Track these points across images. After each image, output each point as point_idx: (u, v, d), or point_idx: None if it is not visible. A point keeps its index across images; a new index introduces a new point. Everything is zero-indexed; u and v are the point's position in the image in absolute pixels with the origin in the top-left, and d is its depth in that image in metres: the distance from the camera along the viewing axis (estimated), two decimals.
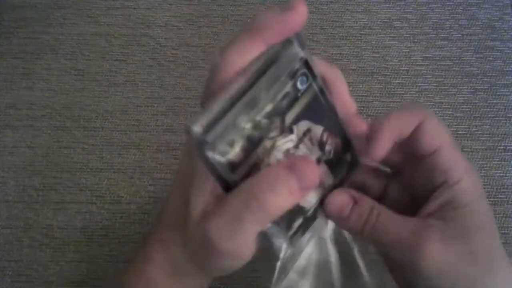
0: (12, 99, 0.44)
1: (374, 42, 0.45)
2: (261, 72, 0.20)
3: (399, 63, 0.45)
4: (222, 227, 0.20)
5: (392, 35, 0.46)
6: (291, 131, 0.22)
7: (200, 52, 0.45)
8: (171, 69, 0.45)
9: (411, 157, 0.25)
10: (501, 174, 0.40)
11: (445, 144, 0.24)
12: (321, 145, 0.23)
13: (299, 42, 0.22)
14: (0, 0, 0.48)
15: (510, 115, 0.42)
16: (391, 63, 0.45)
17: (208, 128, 0.19)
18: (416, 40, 0.46)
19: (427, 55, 0.45)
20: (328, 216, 0.24)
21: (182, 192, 0.22)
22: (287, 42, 0.22)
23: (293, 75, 0.21)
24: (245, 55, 0.20)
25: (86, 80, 0.44)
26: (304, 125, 0.22)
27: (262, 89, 0.20)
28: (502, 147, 0.41)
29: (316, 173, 0.20)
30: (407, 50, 0.45)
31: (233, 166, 0.20)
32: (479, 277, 0.22)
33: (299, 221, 0.23)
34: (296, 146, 0.22)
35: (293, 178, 0.20)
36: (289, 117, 0.21)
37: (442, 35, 0.46)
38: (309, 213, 0.23)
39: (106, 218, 0.40)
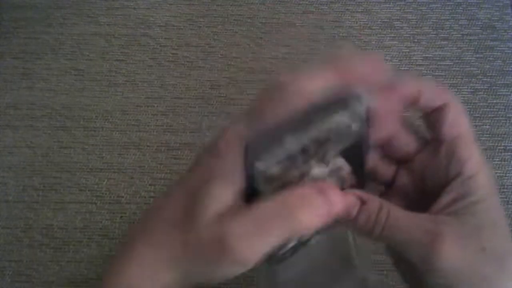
0: (12, 99, 0.44)
1: (374, 42, 0.45)
2: (324, 108, 0.21)
3: (399, 63, 0.45)
4: (243, 233, 0.20)
5: (392, 35, 0.46)
6: (327, 164, 0.22)
7: (200, 52, 0.45)
8: (171, 69, 0.45)
9: (426, 144, 0.25)
10: (501, 174, 0.40)
11: (464, 134, 0.24)
12: (342, 183, 0.24)
13: (367, 97, 0.22)
14: (0, 0, 0.48)
15: (510, 115, 0.43)
16: (391, 63, 0.45)
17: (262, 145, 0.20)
18: (416, 40, 0.46)
19: (427, 55, 0.45)
20: (336, 219, 0.23)
21: (190, 192, 0.22)
22: (356, 97, 0.21)
23: (353, 118, 0.22)
24: (321, 87, 0.21)
25: (86, 80, 0.44)
26: (339, 162, 0.23)
27: (318, 118, 0.21)
28: (502, 147, 0.41)
29: (344, 201, 0.21)
30: (407, 50, 0.45)
31: (270, 179, 0.21)
32: (491, 273, 0.22)
33: (293, 243, 0.23)
34: (324, 179, 0.22)
35: (324, 201, 0.20)
36: (332, 150, 0.22)
37: (442, 35, 0.46)
38: (306, 238, 0.24)
39: (106, 218, 0.40)
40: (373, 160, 0.26)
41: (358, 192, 0.24)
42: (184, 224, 0.21)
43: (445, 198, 0.23)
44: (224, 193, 0.21)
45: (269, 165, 0.20)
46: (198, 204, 0.21)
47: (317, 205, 0.20)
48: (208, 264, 0.21)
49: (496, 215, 0.23)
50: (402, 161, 0.26)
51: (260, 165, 0.20)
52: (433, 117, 0.24)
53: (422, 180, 0.25)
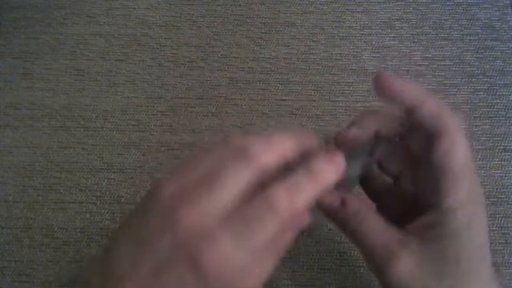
0: (12, 99, 0.44)
1: (374, 42, 0.45)
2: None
3: (399, 63, 0.45)
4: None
5: (392, 35, 0.46)
6: None
7: (200, 52, 0.45)
8: (171, 69, 0.45)
9: (415, 163, 0.26)
10: (501, 174, 0.40)
11: (455, 166, 0.23)
12: None
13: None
14: (0, 0, 0.48)
15: (510, 115, 0.43)
16: (391, 63, 0.45)
17: None
18: (416, 40, 0.46)
19: (427, 55, 0.45)
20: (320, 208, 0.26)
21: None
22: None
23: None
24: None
25: (86, 80, 0.44)
26: None
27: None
28: (502, 147, 0.41)
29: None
30: (407, 50, 0.45)
31: None
32: None
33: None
34: None
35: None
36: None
37: (442, 35, 0.46)
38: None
39: (106, 218, 0.40)
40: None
41: (343, 194, 0.25)
42: None
43: (420, 221, 0.24)
44: None
45: None
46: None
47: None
48: None
49: (466, 254, 0.23)
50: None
51: None
52: (428, 140, 0.24)
53: (406, 199, 0.26)
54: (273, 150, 0.22)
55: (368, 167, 0.26)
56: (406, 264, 0.22)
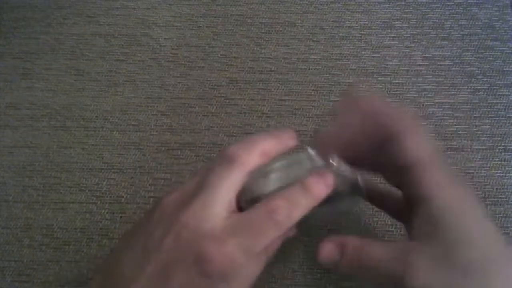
0: (12, 99, 0.44)
1: (374, 42, 0.45)
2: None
3: (399, 63, 0.45)
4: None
5: (392, 35, 0.46)
6: None
7: (200, 52, 0.45)
8: (171, 69, 0.45)
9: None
10: (501, 174, 0.40)
11: (421, 159, 0.25)
12: None
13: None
14: (0, 0, 0.48)
15: (510, 115, 0.43)
16: (391, 63, 0.45)
17: None
18: (416, 40, 0.46)
19: (427, 55, 0.45)
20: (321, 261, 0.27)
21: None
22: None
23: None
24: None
25: (86, 80, 0.44)
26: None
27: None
28: (502, 147, 0.41)
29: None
30: (407, 50, 0.45)
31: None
32: (476, 285, 0.22)
33: None
34: None
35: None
36: None
37: (442, 35, 0.46)
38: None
39: (106, 218, 0.40)
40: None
41: (339, 238, 0.26)
42: None
43: (414, 223, 0.25)
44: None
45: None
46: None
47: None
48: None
49: (465, 231, 0.23)
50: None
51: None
52: (389, 146, 0.25)
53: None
54: (254, 150, 0.25)
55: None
56: (422, 267, 0.23)
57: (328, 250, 0.26)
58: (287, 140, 0.27)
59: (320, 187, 0.25)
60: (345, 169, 0.27)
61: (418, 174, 0.24)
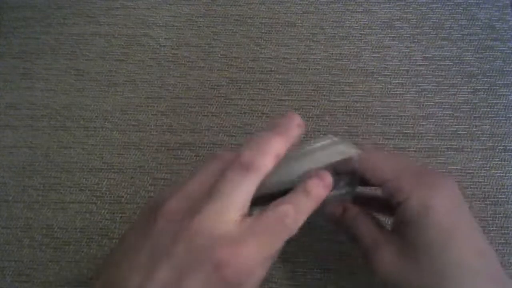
0: (12, 99, 0.44)
1: (374, 42, 0.45)
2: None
3: (399, 63, 0.45)
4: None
5: (392, 35, 0.46)
6: None
7: (200, 52, 0.45)
8: (171, 69, 0.45)
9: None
10: (501, 174, 0.40)
11: (388, 175, 0.27)
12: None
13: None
14: (0, 0, 0.48)
15: (510, 115, 0.43)
16: (391, 63, 0.45)
17: None
18: (416, 40, 0.46)
19: (427, 55, 0.45)
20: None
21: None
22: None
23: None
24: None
25: (86, 80, 0.44)
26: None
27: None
28: (502, 147, 0.41)
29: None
30: (407, 50, 0.45)
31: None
32: (431, 285, 0.24)
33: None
34: None
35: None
36: None
37: (442, 35, 0.46)
38: None
39: (106, 218, 0.40)
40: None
41: (344, 203, 0.31)
42: None
43: (393, 222, 0.28)
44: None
45: None
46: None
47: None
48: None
49: (436, 233, 0.25)
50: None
51: None
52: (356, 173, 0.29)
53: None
54: (269, 155, 0.25)
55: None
56: (387, 254, 0.26)
57: (334, 207, 0.31)
58: (296, 132, 0.27)
59: (320, 190, 0.26)
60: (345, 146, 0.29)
61: (388, 186, 0.27)
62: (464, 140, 0.42)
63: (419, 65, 0.45)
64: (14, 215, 0.40)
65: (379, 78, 0.44)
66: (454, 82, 0.44)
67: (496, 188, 0.40)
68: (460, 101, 0.43)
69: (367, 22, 0.46)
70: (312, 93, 0.43)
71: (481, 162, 0.41)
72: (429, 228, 0.25)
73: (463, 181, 0.40)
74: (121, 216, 0.40)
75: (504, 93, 0.43)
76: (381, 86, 0.44)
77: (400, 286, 0.25)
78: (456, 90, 0.43)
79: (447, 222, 0.25)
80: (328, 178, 0.27)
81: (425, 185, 0.26)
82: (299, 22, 0.47)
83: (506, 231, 0.39)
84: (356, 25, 0.46)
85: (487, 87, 0.44)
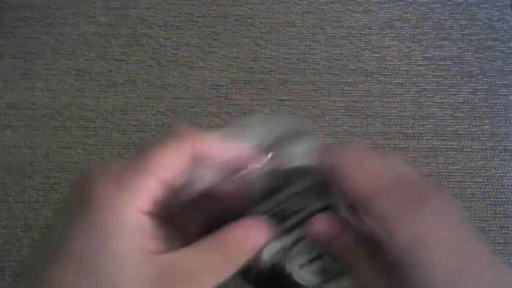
0: (12, 99, 0.44)
1: (374, 42, 0.45)
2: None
3: (399, 63, 0.45)
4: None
5: (392, 35, 0.46)
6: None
7: (200, 52, 0.45)
8: (171, 69, 0.45)
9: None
10: (501, 174, 0.40)
11: (369, 190, 0.20)
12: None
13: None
14: (0, 0, 0.48)
15: (510, 115, 0.43)
16: (391, 63, 0.45)
17: None
18: (416, 40, 0.46)
19: (427, 55, 0.45)
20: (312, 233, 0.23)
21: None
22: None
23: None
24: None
25: (86, 80, 0.44)
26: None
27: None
28: (502, 147, 0.41)
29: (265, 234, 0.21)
30: (407, 50, 0.45)
31: None
32: None
33: None
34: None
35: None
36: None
37: (442, 35, 0.46)
38: None
39: None
40: None
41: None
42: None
43: (378, 261, 0.21)
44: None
45: None
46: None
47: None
48: None
49: (442, 276, 0.18)
50: None
51: None
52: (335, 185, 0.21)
53: None
54: (209, 143, 0.20)
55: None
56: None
57: (328, 224, 0.22)
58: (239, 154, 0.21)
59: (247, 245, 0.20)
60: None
61: (367, 208, 0.19)
62: (464, 140, 0.42)
63: (419, 65, 0.45)
64: (14, 215, 0.40)
65: (379, 78, 0.44)
66: (454, 82, 0.44)
67: (496, 188, 0.40)
68: (460, 101, 0.43)
69: (367, 22, 0.46)
70: (312, 93, 0.43)
71: (481, 162, 0.41)
72: (427, 272, 0.18)
73: (463, 181, 0.40)
74: None
75: (504, 93, 0.43)
76: (381, 86, 0.44)
77: None
78: (456, 90, 0.43)
79: (449, 258, 0.18)
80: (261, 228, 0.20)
81: (413, 206, 0.19)
82: (299, 22, 0.47)
83: (506, 231, 0.39)
84: (356, 25, 0.46)
85: (487, 87, 0.44)
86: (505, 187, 0.40)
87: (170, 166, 0.19)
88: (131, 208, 0.18)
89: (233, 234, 0.20)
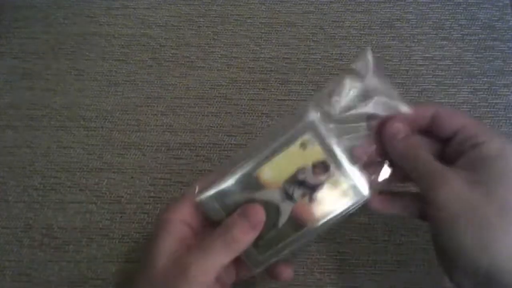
0: (12, 99, 0.44)
1: (374, 42, 0.45)
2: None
3: (399, 63, 0.45)
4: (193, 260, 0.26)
5: (392, 35, 0.46)
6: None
7: (200, 52, 0.45)
8: (171, 69, 0.45)
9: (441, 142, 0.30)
10: None
11: (466, 123, 0.28)
12: None
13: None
14: (0, 0, 0.48)
15: (510, 115, 0.43)
16: (391, 63, 0.45)
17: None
18: (416, 40, 0.46)
19: (427, 55, 0.45)
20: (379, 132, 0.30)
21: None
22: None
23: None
24: None
25: (86, 80, 0.44)
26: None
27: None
28: None
29: (262, 215, 0.28)
30: (407, 50, 0.45)
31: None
32: (493, 217, 0.24)
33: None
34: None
35: (245, 221, 0.28)
36: None
37: (442, 35, 0.46)
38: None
39: (106, 218, 0.40)
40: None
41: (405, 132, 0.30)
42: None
43: (461, 160, 0.28)
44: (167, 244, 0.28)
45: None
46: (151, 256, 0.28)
47: (239, 225, 0.27)
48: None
49: (506, 172, 0.26)
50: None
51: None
52: (433, 125, 0.29)
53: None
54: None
55: None
56: (457, 184, 0.26)
57: (397, 126, 0.30)
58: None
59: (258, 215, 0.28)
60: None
61: (467, 130, 0.28)
62: None
63: (419, 65, 0.45)
64: (14, 215, 0.40)
65: None
66: (454, 82, 0.44)
67: None
68: (460, 101, 0.43)
69: (367, 22, 0.46)
70: (312, 93, 0.43)
71: None
72: (504, 166, 0.26)
73: None
74: (121, 216, 0.40)
75: (504, 93, 0.43)
76: None
77: (462, 215, 0.25)
78: (456, 90, 0.43)
79: None
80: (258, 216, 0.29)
81: (493, 132, 0.28)
82: (299, 22, 0.47)
83: None
84: (356, 25, 0.46)
85: (487, 87, 0.44)
86: None
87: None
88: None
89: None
